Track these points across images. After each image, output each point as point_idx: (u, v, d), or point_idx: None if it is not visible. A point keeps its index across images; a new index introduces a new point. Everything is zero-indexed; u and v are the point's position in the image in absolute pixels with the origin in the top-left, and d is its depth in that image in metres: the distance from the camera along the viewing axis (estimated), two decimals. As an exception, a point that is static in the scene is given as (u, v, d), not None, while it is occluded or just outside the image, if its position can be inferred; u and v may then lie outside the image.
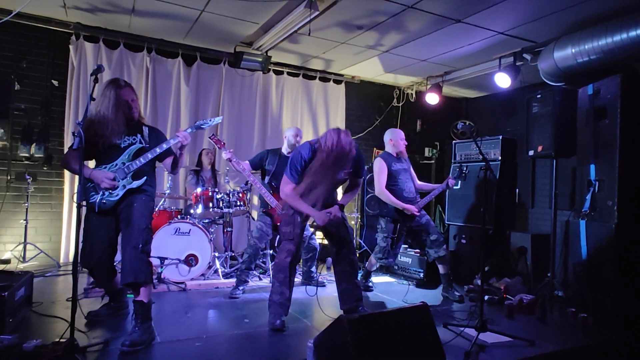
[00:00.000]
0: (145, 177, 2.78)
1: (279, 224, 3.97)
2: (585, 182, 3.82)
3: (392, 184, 4.04)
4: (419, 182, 4.31)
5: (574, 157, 4.07)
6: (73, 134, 2.31)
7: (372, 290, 4.32)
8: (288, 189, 3.00)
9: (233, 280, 4.06)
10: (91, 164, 2.93)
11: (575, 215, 3.89)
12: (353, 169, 3.09)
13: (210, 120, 3.02)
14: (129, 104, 2.80)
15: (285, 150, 4.21)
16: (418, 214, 3.98)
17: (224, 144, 4.08)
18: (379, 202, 4.13)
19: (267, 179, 4.14)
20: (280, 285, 3.03)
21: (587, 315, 3.31)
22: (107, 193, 2.71)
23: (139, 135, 2.84)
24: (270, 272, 4.56)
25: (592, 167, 3.75)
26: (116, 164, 2.75)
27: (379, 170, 4.04)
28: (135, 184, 2.75)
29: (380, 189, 4.00)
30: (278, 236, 3.17)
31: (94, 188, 2.73)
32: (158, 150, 2.78)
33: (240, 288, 3.91)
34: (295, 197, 2.99)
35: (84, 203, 2.70)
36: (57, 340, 2.42)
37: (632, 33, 3.64)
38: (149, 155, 2.76)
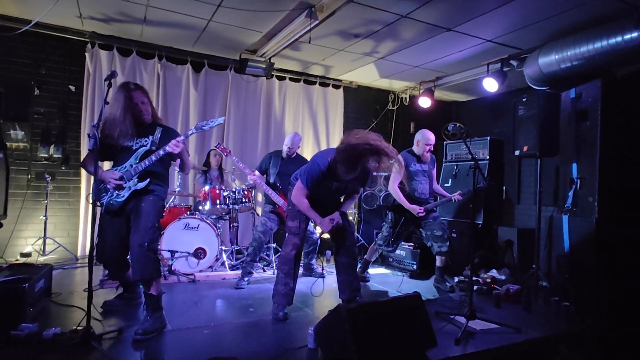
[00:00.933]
0: (149, 179, 2.70)
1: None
2: (567, 180, 3.82)
3: (406, 183, 4.01)
4: (436, 185, 4.24)
5: (557, 157, 4.06)
6: (88, 135, 2.30)
7: (368, 281, 4.31)
8: (301, 196, 2.96)
9: (239, 272, 4.07)
10: (107, 165, 2.90)
11: (558, 211, 3.89)
12: (362, 181, 3.06)
13: (211, 122, 2.86)
14: (139, 106, 2.72)
15: (284, 154, 4.20)
16: (422, 214, 3.92)
17: (230, 151, 4.09)
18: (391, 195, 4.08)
19: (272, 179, 4.15)
20: (285, 276, 3.02)
21: (570, 303, 3.31)
22: (114, 194, 2.68)
23: (150, 137, 2.78)
24: (274, 265, 4.57)
25: (574, 165, 3.74)
26: (125, 166, 2.71)
27: (397, 169, 3.99)
28: (140, 185, 2.68)
29: (392, 186, 3.96)
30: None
31: (105, 189, 2.70)
32: (161, 152, 2.68)
33: (246, 279, 3.90)
34: (307, 204, 2.96)
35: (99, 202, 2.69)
36: (75, 328, 2.41)
37: (612, 40, 3.63)
38: (153, 158, 2.68)
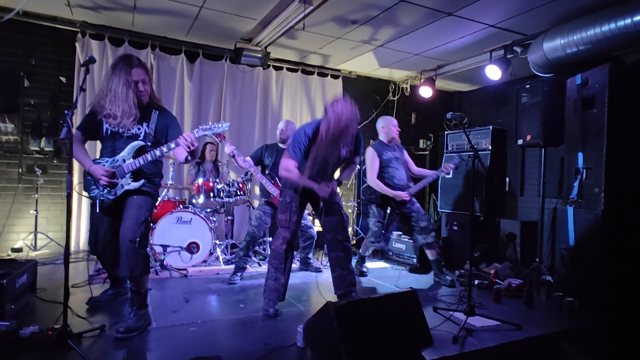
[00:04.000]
0: (143, 180, 2.55)
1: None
2: (572, 170, 3.65)
3: (383, 172, 3.89)
4: (416, 168, 4.14)
5: (562, 146, 3.89)
6: (60, 122, 2.16)
7: (366, 276, 4.19)
8: (290, 164, 2.79)
9: (233, 267, 3.95)
10: (93, 149, 2.72)
11: (563, 203, 3.73)
12: (353, 146, 2.93)
13: (215, 127, 2.63)
14: (139, 85, 2.48)
15: (279, 143, 4.09)
16: (407, 199, 3.81)
17: (225, 137, 3.93)
18: (369, 188, 3.98)
19: (267, 171, 4.03)
20: (276, 271, 2.90)
21: (574, 299, 3.16)
22: (105, 190, 2.53)
23: (144, 125, 2.56)
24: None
25: (580, 155, 3.57)
26: (117, 160, 2.53)
27: (371, 160, 3.91)
28: (134, 185, 2.53)
29: (372, 178, 3.87)
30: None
31: (95, 182, 2.54)
32: (158, 153, 2.51)
33: (239, 274, 3.79)
34: (295, 171, 2.78)
35: (84, 193, 2.56)
36: (52, 326, 2.30)
37: (620, 23, 3.45)
38: (148, 157, 2.50)
